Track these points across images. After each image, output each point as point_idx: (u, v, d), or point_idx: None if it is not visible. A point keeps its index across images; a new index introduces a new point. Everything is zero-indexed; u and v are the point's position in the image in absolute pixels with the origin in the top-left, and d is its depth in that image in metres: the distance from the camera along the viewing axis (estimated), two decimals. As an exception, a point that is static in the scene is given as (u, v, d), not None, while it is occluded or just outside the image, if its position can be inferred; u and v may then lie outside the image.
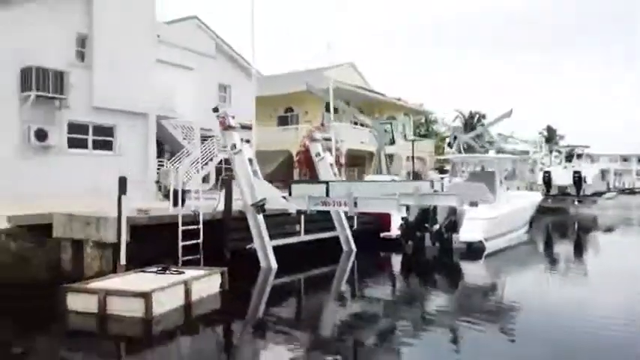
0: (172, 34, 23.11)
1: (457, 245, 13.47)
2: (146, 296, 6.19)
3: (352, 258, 12.65)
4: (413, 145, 26.79)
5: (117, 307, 6.34)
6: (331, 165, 13.24)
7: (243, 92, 26.72)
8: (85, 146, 18.55)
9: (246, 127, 11.69)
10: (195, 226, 9.34)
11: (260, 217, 10.10)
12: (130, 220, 8.31)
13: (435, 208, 13.75)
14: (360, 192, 9.77)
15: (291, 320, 7.97)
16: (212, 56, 25.16)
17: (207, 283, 7.52)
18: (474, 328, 7.20)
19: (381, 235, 14.27)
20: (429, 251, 13.54)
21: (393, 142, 19.80)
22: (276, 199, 9.98)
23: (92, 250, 8.37)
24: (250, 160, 10.73)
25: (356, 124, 34.68)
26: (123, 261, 8.03)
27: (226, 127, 10.56)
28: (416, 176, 25.66)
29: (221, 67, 25.75)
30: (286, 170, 30.32)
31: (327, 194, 10.08)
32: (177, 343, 6.29)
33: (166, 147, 23.32)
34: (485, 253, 13.43)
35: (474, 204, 14.32)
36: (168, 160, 21.95)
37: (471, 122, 46.56)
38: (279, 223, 11.26)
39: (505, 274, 12.43)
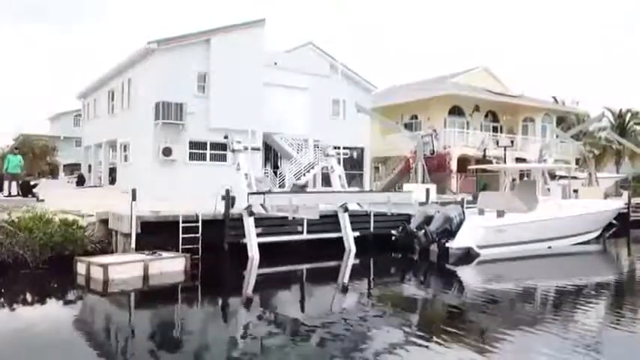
0: (289, 60, 27.34)
1: (453, 251, 14.62)
2: (105, 267, 10.14)
3: (344, 257, 14.89)
4: (504, 152, 25.77)
5: (94, 272, 10.43)
6: (339, 177, 15.68)
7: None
8: (204, 159, 23.91)
9: (255, 149, 14.83)
10: (195, 224, 13.05)
11: (250, 218, 13.31)
12: (140, 217, 12.45)
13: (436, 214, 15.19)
14: (296, 200, 12.34)
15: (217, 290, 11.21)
16: (326, 75, 28.75)
17: (170, 263, 11.15)
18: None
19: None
20: (425, 254, 14.92)
21: (433, 152, 20.69)
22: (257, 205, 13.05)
23: (120, 236, 12.76)
24: (246, 175, 13.99)
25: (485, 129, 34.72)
26: (133, 245, 12.20)
27: (233, 150, 14.06)
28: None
29: (335, 84, 29.09)
30: (405, 173, 31.78)
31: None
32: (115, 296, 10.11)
33: (282, 159, 27.61)
34: (479, 259, 14.38)
35: (500, 214, 15.38)
36: (272, 169, 26.35)
37: (621, 122, 41.46)
38: (282, 223, 14.13)
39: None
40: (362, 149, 31.16)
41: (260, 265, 13.21)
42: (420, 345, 8.01)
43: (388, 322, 9.53)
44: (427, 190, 17.74)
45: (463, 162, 32.94)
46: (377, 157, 35.97)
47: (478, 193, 24.28)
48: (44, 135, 58.97)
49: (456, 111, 34.52)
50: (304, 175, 26.07)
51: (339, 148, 28.56)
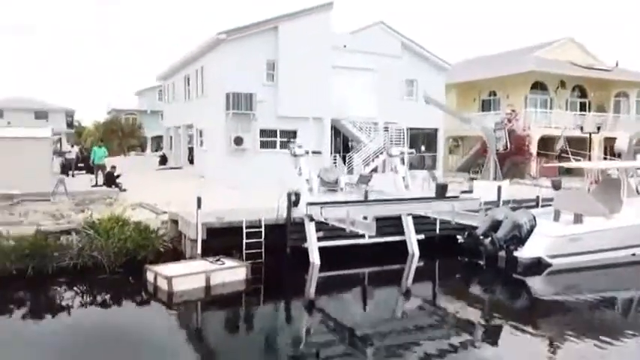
0: (358, 41, 26.69)
1: (522, 260, 13.97)
2: (169, 279, 10.72)
3: (408, 261, 14.67)
4: (589, 138, 23.48)
5: (160, 282, 11.07)
6: (404, 178, 15.31)
7: (431, 84, 28.82)
8: (274, 146, 24.28)
9: (316, 153, 14.78)
10: (258, 229, 13.38)
11: (311, 223, 13.43)
12: (206, 224, 12.96)
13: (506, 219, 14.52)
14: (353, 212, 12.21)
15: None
16: (398, 56, 27.90)
17: (231, 273, 11.58)
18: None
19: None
20: (492, 261, 14.36)
21: (506, 148, 19.42)
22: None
23: (188, 240, 13.39)
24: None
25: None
26: (199, 251, 12.78)
27: (294, 155, 14.14)
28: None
29: (407, 64, 28.20)
30: (481, 155, 30.65)
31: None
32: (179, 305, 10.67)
33: (353, 143, 27.41)
34: (550, 269, 13.67)
35: (578, 218, 14.56)
36: (342, 153, 26.25)
37: None
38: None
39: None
40: (435, 130, 30.25)
41: (322, 269, 13.38)
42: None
43: (449, 331, 9.94)
44: (499, 189, 16.91)
45: (546, 142, 31.07)
46: (452, 135, 34.81)
47: (559, 179, 22.92)
48: (132, 109, 62.59)
49: (538, 86, 32.42)
50: (373, 160, 25.76)
51: (410, 129, 28.05)
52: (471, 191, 21.70)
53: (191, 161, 31.68)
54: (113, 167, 20.91)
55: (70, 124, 57.22)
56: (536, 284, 13.62)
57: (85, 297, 11.57)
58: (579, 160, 18.55)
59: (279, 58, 23.74)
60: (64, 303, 11.13)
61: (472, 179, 24.19)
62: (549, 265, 13.66)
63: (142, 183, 22.66)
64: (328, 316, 11.20)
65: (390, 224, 14.56)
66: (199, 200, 12.76)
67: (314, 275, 13.23)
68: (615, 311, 12.19)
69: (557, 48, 33.84)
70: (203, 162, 26.85)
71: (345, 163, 25.90)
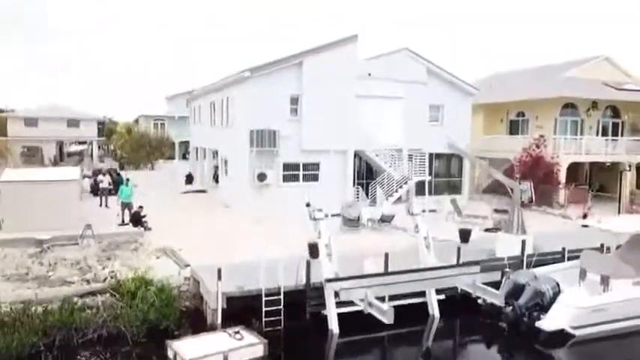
0: (382, 69, 26.43)
1: (544, 331, 13.68)
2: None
3: (428, 322, 14.52)
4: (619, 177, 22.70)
5: (180, 360, 11.37)
6: (425, 238, 15.12)
7: (457, 109, 28.49)
8: (297, 179, 24.37)
9: (335, 216, 14.77)
10: (277, 297, 13.50)
11: (329, 284, 13.45)
12: (226, 293, 13.15)
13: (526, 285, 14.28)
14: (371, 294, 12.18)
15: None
16: (423, 82, 27.56)
17: (249, 351, 11.74)
18: None
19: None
20: (513, 327, 14.11)
21: (531, 200, 19.03)
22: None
23: (208, 309, 13.63)
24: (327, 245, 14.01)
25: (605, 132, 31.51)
26: (219, 321, 13.00)
27: (314, 219, 14.14)
28: None
29: (433, 90, 27.83)
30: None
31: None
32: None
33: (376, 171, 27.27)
34: (573, 340, 13.42)
35: (604, 281, 14.27)
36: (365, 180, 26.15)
37: None
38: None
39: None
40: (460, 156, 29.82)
41: (341, 336, 13.40)
42: None
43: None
44: (523, 243, 16.62)
45: (575, 168, 30.37)
46: (479, 156, 34.25)
47: (589, 206, 22.40)
48: (161, 115, 63.66)
49: (569, 106, 31.57)
50: (396, 191, 25.59)
51: (436, 155, 27.74)
52: (497, 229, 21.44)
53: (216, 180, 32.07)
54: (140, 207, 21.32)
55: (100, 132, 58.45)
56: (559, 355, 13.39)
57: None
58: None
59: (303, 92, 23.77)
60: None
61: (495, 211, 23.82)
62: (573, 336, 13.38)
63: (167, 218, 23.05)
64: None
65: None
66: (220, 272, 12.94)
67: (333, 343, 13.27)
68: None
69: (591, 67, 32.84)
70: (228, 190, 27.16)
71: (367, 194, 25.83)
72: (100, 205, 25.13)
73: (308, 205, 14.15)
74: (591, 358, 13.29)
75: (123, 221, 21.53)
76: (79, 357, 12.00)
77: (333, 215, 14.47)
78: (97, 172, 33.08)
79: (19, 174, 21.23)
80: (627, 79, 33.25)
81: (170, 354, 11.77)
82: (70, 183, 20.28)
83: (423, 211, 14.94)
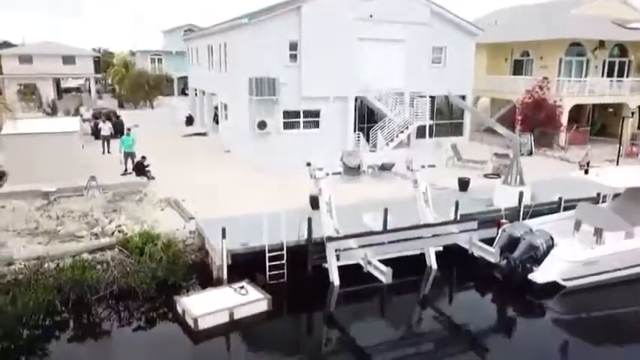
0: (384, 10, 25.63)
1: (535, 283, 14.22)
2: (195, 320, 11.59)
3: (425, 272, 15.08)
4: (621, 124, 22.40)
5: (188, 318, 11.94)
6: (424, 194, 15.39)
7: (460, 50, 27.95)
8: (297, 127, 24.35)
9: (336, 174, 14.92)
10: (280, 252, 13.98)
11: (330, 244, 13.91)
12: (231, 250, 13.62)
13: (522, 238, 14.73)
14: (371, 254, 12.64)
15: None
16: (425, 23, 26.80)
17: (253, 306, 12.35)
18: None
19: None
20: (507, 279, 14.71)
21: (530, 153, 18.97)
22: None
23: (214, 264, 14.13)
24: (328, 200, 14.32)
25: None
26: (225, 276, 13.57)
27: (315, 178, 14.35)
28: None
29: (436, 31, 27.13)
30: (508, 122, 30.24)
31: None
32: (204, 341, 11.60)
33: (377, 116, 27.17)
34: (564, 291, 14.02)
35: (598, 233, 14.69)
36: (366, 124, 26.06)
37: None
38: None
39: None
40: (463, 97, 29.54)
41: (342, 287, 14.01)
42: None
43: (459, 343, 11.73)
44: (520, 194, 16.92)
45: (577, 109, 30.20)
46: (481, 97, 33.99)
47: (588, 160, 22.65)
48: (158, 50, 62.35)
49: (575, 45, 30.88)
50: (397, 136, 25.65)
51: (433, 97, 27.48)
52: (497, 175, 21.74)
53: (216, 121, 32.04)
54: (143, 157, 21.48)
55: (97, 68, 57.46)
56: (549, 304, 14.03)
57: (121, 325, 12.49)
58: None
59: (302, 38, 23.23)
60: (104, 329, 12.13)
61: (496, 155, 23.98)
62: (563, 287, 13.97)
63: (170, 166, 23.29)
64: (347, 332, 12.59)
65: (408, 237, 14.79)
66: (224, 231, 13.32)
67: (334, 293, 13.90)
68: (623, 327, 12.85)
69: (599, 3, 31.76)
70: (228, 136, 27.20)
71: (368, 140, 25.88)
72: (103, 152, 25.27)
73: (309, 164, 14.31)
74: (580, 308, 13.90)
75: (126, 170, 21.78)
76: (93, 313, 12.60)
77: (333, 173, 14.60)
78: (97, 116, 32.98)
79: (20, 126, 21.24)
80: (638, 17, 32.23)
81: (179, 309, 12.40)
82: (71, 134, 20.34)
83: (422, 166, 15.07)
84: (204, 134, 32.14)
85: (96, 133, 28.19)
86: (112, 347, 11.62)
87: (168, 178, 21.45)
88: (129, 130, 23.80)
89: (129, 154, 21.83)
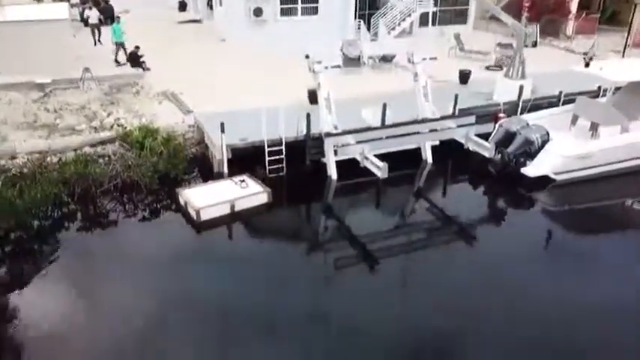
0: None
1: (527, 177, 14.57)
2: (197, 211, 12.08)
3: (421, 166, 15.41)
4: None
5: (190, 210, 12.41)
6: (423, 87, 15.21)
7: None
8: (295, 13, 23.35)
9: (336, 67, 14.60)
10: (279, 147, 14.15)
11: (328, 140, 14.06)
12: (230, 145, 13.78)
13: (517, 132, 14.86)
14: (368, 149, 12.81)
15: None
16: None
17: (254, 199, 12.78)
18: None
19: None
20: (501, 173, 15.05)
21: (535, 44, 18.21)
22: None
23: (214, 158, 14.34)
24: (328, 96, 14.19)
25: None
26: (225, 170, 13.87)
27: (313, 71, 14.08)
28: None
29: None
30: (515, 9, 28.78)
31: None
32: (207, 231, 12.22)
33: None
34: (555, 184, 14.45)
35: (594, 127, 14.87)
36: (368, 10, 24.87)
37: None
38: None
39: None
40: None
41: (339, 180, 14.41)
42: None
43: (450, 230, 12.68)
44: (521, 88, 16.72)
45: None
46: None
47: (593, 54, 22.12)
48: None
49: None
50: (399, 24, 24.74)
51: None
52: (499, 67, 21.38)
53: (210, 7, 30.73)
54: (137, 47, 20.85)
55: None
56: (539, 196, 14.54)
57: (127, 216, 13.04)
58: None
59: None
60: (111, 220, 12.72)
61: (499, 45, 23.32)
62: (554, 180, 14.37)
63: (165, 56, 22.74)
64: (343, 222, 13.22)
65: (405, 132, 14.93)
66: (222, 126, 13.39)
67: (332, 186, 14.34)
68: (608, 218, 13.67)
69: None
70: (223, 23, 26.18)
71: (369, 28, 24.97)
72: (95, 43, 24.37)
73: (307, 56, 13.99)
74: (568, 199, 14.41)
75: (116, 60, 21.27)
76: (99, 205, 13.10)
77: (332, 67, 14.31)
78: (84, 0, 31.38)
79: (7, 13, 20.35)
80: None
81: (181, 201, 12.88)
82: (61, 22, 19.59)
83: (424, 59, 14.75)
84: (198, 21, 30.91)
85: (85, 20, 27.03)
86: (119, 236, 12.25)
87: (164, 69, 21.05)
88: (118, 18, 22.82)
89: (119, 44, 21.17)
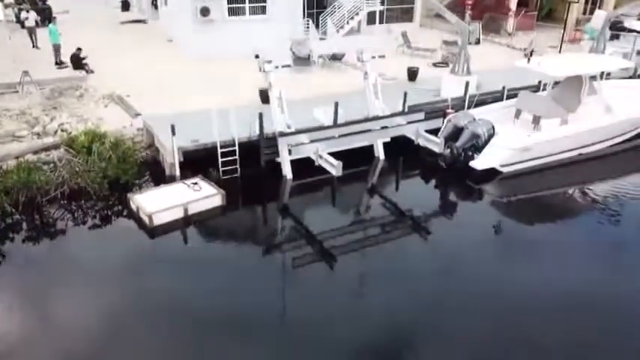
0: None
1: (475, 170, 15.08)
2: (150, 216, 11.81)
3: (373, 163, 15.67)
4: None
5: (142, 215, 12.11)
6: (374, 85, 15.46)
7: None
8: (243, 13, 23.15)
9: (286, 66, 14.62)
10: (232, 148, 14.01)
11: (282, 139, 14.05)
12: (182, 148, 13.53)
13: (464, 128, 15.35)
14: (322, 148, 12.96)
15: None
16: None
17: (207, 202, 12.61)
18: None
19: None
20: (450, 166, 15.49)
21: (478, 41, 18.98)
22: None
23: (165, 162, 14.05)
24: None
25: None
26: (177, 173, 13.61)
27: (263, 71, 14.04)
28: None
29: None
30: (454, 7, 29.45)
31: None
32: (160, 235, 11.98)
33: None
34: (501, 176, 15.02)
35: (536, 120, 15.43)
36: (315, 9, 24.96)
37: None
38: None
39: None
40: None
41: (295, 179, 14.43)
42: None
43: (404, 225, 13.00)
44: (467, 84, 17.25)
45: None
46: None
47: (532, 49, 23.07)
48: None
49: None
50: (347, 23, 24.99)
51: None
52: (445, 63, 21.96)
53: (155, 6, 30.05)
54: (79, 49, 20.13)
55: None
56: (486, 188, 15.07)
57: (76, 224, 12.57)
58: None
59: None
60: (59, 229, 12.23)
61: (445, 42, 23.97)
62: (500, 172, 14.93)
63: (109, 57, 22.08)
64: (300, 221, 13.19)
65: (357, 130, 15.12)
66: (173, 128, 13.14)
67: (287, 185, 14.35)
68: (553, 206, 14.36)
69: None
70: (169, 23, 25.66)
71: (318, 26, 25.09)
72: (33, 46, 23.23)
73: (257, 56, 13.92)
74: (515, 191, 15.00)
75: (56, 62, 20.49)
76: (46, 213, 12.59)
77: (283, 66, 14.31)
78: (19, 1, 29.97)
79: None
80: None
81: (133, 206, 12.55)
82: (-4, 24, 18.65)
83: (373, 57, 14.99)
84: (143, 21, 30.14)
85: (21, 22, 25.82)
86: (68, 245, 11.80)
87: (109, 71, 20.44)
88: (54, 18, 21.93)
89: (57, 47, 20.38)
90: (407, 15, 29.04)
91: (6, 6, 28.75)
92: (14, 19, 27.17)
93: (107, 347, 8.70)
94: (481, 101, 17.65)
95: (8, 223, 12.16)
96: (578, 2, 24.85)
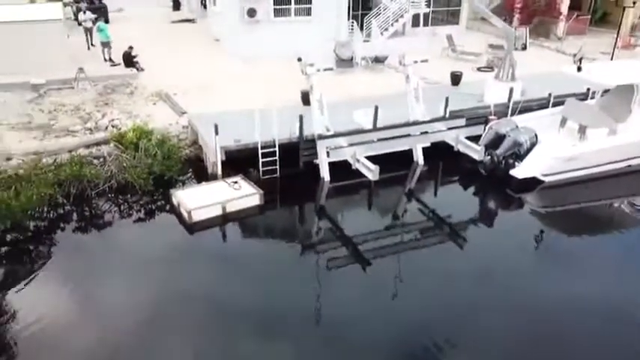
0: None
1: (516, 178, 14.80)
2: (189, 212, 12.24)
3: (412, 167, 15.64)
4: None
5: (183, 212, 12.57)
6: (415, 90, 15.42)
7: None
8: (289, 14, 23.47)
9: (328, 69, 14.75)
10: (272, 149, 14.31)
11: (321, 142, 14.23)
12: (224, 147, 13.94)
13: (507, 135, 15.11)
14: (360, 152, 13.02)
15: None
16: None
17: (246, 200, 12.94)
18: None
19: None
20: (490, 174, 15.28)
21: (524, 47, 18.46)
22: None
23: (208, 160, 14.49)
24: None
25: None
26: (219, 171, 14.02)
27: (305, 74, 14.25)
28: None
29: None
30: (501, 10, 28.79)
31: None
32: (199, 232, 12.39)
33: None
34: (543, 185, 14.71)
35: (582, 130, 15.14)
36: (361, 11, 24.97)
37: None
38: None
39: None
40: (462, -16, 28.31)
41: (332, 181, 14.58)
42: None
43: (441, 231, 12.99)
44: (511, 90, 16.98)
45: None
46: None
47: (581, 56, 22.40)
48: None
49: None
50: (392, 25, 24.93)
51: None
52: (490, 68, 21.64)
53: (204, 6, 30.79)
54: (130, 47, 20.93)
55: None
56: (527, 198, 14.80)
57: (122, 217, 13.18)
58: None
59: None
60: (106, 221, 12.87)
61: (491, 46, 23.57)
62: (542, 182, 14.64)
63: (159, 56, 22.83)
64: (336, 222, 13.45)
65: (396, 134, 15.13)
66: (216, 127, 13.52)
67: (324, 187, 14.52)
68: (595, 218, 14.06)
69: None
70: (217, 23, 26.27)
71: (362, 28, 25.13)
72: (88, 47, 24.18)
73: (300, 59, 14.14)
74: (557, 201, 14.69)
75: (105, 59, 21.36)
76: (95, 206, 13.25)
77: (325, 70, 14.47)
78: (78, 0, 31.30)
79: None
80: None
81: (175, 202, 13.04)
82: (54, 23, 19.63)
83: (415, 62, 14.96)
84: (192, 20, 30.96)
85: (78, 21, 26.98)
86: (113, 237, 12.41)
87: (158, 69, 21.15)
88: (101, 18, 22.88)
89: (106, 44, 21.25)
90: (453, 17, 28.66)
91: (65, 4, 30.13)
92: (72, 17, 28.43)
93: (143, 336, 9.15)
94: (525, 108, 17.31)
95: (60, 214, 12.87)
96: (634, 7, 23.93)
